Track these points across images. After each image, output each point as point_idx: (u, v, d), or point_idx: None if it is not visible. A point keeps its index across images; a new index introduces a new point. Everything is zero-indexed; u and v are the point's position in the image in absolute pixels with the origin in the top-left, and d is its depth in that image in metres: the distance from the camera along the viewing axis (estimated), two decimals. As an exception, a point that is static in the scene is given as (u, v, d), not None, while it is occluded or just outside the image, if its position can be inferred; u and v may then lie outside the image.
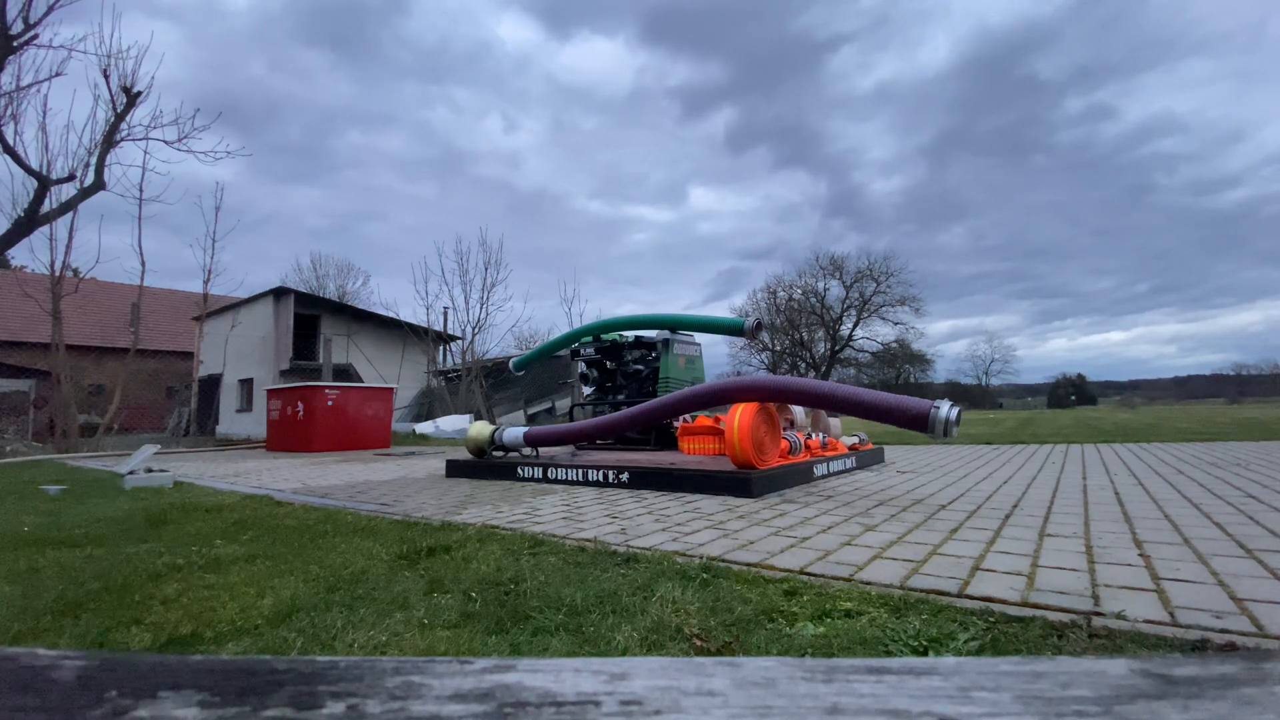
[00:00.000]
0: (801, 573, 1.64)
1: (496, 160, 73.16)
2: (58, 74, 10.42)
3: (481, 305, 16.75)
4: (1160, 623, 1.22)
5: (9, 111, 10.09)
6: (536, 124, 77.45)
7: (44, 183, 10.41)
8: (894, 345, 41.95)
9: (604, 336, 6.21)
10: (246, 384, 16.85)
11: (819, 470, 3.89)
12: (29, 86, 10.26)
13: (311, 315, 17.28)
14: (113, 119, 10.94)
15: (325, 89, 69.28)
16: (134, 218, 12.25)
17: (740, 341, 37.97)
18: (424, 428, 13.09)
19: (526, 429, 4.48)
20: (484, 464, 4.45)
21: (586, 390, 7.07)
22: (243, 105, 57.81)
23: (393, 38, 73.89)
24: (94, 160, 10.90)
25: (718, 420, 4.45)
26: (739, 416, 3.29)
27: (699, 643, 1.18)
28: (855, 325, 42.32)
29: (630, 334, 6.28)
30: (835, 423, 5.31)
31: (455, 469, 4.62)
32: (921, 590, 1.46)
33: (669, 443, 5.32)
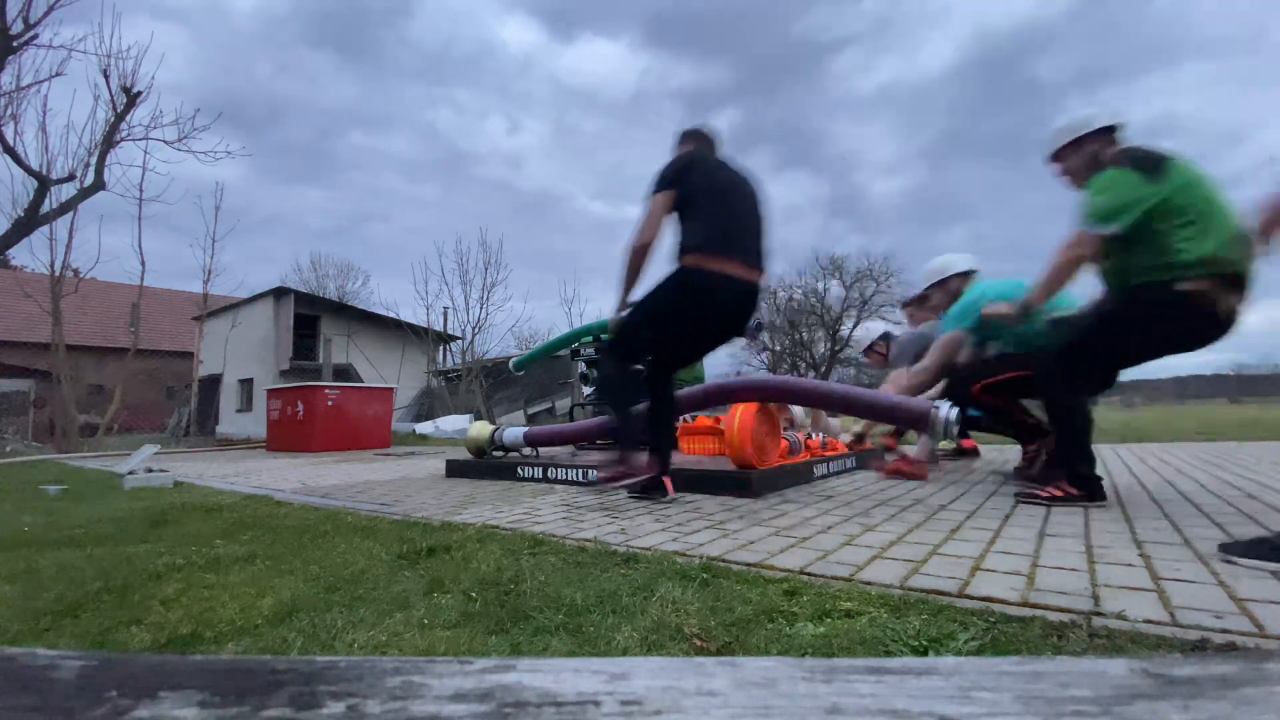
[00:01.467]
0: (801, 573, 1.64)
1: (499, 161, 72.94)
2: (58, 74, 10.42)
3: (481, 305, 16.81)
4: (1160, 623, 1.22)
5: (9, 111, 10.09)
6: (539, 125, 77.34)
7: (44, 183, 10.41)
8: (894, 345, 41.88)
9: (604, 336, 6.21)
10: (246, 384, 16.85)
11: (819, 470, 3.88)
12: (29, 86, 10.25)
13: (311, 315, 17.28)
14: (113, 119, 10.94)
15: (329, 90, 69.08)
16: (134, 218, 12.26)
17: (740, 341, 37.95)
18: (424, 428, 13.08)
19: (526, 429, 4.48)
20: (484, 464, 4.45)
21: (586, 390, 7.07)
22: (248, 107, 57.72)
23: (396, 39, 73.72)
24: (94, 160, 10.89)
25: (718, 420, 4.45)
26: (739, 416, 3.29)
27: (699, 643, 1.18)
28: (855, 325, 42.31)
29: None
30: (835, 423, 5.31)
31: (455, 469, 4.62)
32: (921, 590, 1.46)
33: (669, 443, 5.32)
